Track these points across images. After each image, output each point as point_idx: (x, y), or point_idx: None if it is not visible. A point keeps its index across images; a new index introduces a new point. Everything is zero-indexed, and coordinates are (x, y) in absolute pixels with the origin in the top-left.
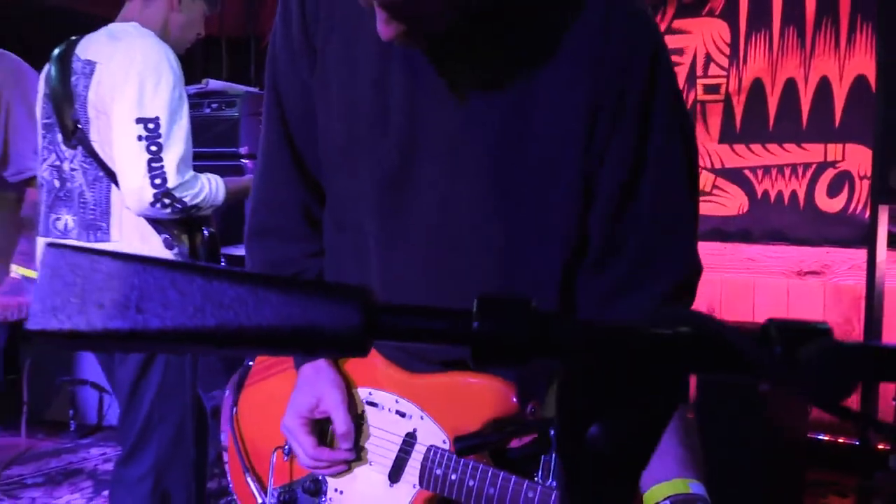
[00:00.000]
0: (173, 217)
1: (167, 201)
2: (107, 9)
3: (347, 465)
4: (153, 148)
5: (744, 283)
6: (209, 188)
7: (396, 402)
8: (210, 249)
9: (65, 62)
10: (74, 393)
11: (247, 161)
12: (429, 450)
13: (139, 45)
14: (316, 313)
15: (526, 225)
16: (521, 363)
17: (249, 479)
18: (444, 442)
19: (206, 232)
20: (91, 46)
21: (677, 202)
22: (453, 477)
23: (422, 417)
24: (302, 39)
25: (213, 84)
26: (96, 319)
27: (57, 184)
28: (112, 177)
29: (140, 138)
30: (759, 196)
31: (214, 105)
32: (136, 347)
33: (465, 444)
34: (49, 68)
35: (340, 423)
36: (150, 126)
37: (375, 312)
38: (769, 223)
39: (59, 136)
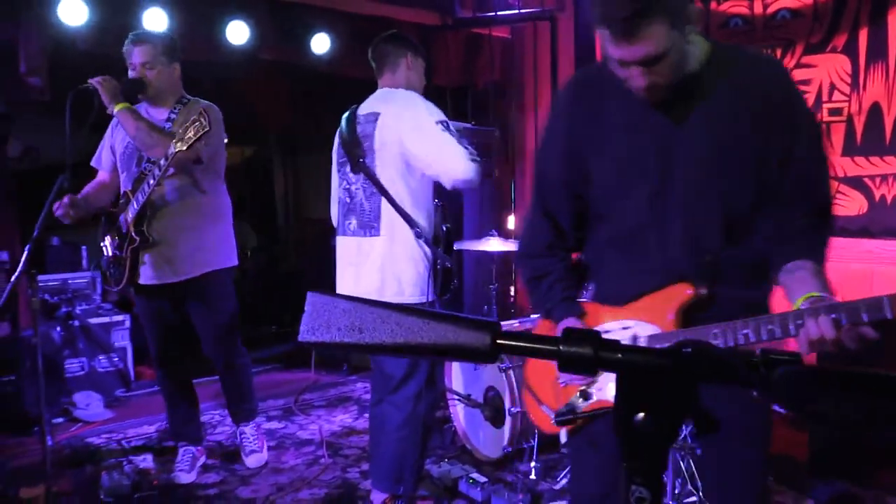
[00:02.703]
0: (477, 178)
1: (477, 159)
2: (358, 72)
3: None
4: (452, 132)
5: (863, 273)
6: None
7: (619, 322)
8: (447, 240)
9: (350, 120)
10: None
11: None
12: (649, 339)
13: (406, 95)
14: (466, 337)
15: (729, 202)
16: (591, 373)
17: (543, 408)
18: (655, 329)
19: (444, 227)
20: (371, 105)
21: (819, 171)
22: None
23: (636, 324)
24: (568, 132)
25: None
26: (337, 336)
27: (347, 200)
28: (382, 192)
29: (444, 130)
30: (877, 199)
31: None
32: (358, 351)
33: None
34: (342, 126)
35: None
36: (445, 123)
37: (499, 337)
38: (885, 222)
39: (348, 168)
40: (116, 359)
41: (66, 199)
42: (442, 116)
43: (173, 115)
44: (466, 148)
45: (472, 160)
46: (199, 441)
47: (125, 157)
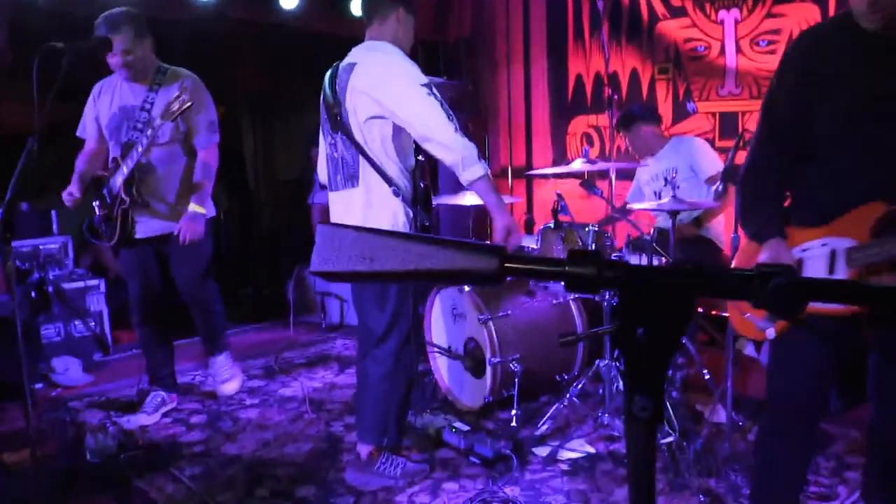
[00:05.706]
0: (464, 151)
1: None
2: (329, 28)
3: None
4: (437, 96)
5: None
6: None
7: (819, 240)
8: (425, 198)
9: (332, 77)
10: (324, 301)
11: None
12: (847, 251)
13: (389, 49)
14: (475, 261)
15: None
16: (594, 292)
17: (747, 316)
18: (851, 242)
19: (422, 184)
20: (351, 56)
21: None
22: (858, 255)
23: (834, 240)
24: (802, 73)
25: None
26: (348, 265)
27: (335, 155)
28: (356, 144)
29: (429, 94)
30: None
31: None
32: (369, 280)
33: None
34: (324, 83)
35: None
36: (429, 87)
37: (507, 261)
38: None
39: (329, 126)
40: (93, 323)
41: (71, 191)
42: (425, 79)
43: (155, 87)
44: (451, 118)
45: (458, 131)
46: (172, 387)
47: (112, 127)
